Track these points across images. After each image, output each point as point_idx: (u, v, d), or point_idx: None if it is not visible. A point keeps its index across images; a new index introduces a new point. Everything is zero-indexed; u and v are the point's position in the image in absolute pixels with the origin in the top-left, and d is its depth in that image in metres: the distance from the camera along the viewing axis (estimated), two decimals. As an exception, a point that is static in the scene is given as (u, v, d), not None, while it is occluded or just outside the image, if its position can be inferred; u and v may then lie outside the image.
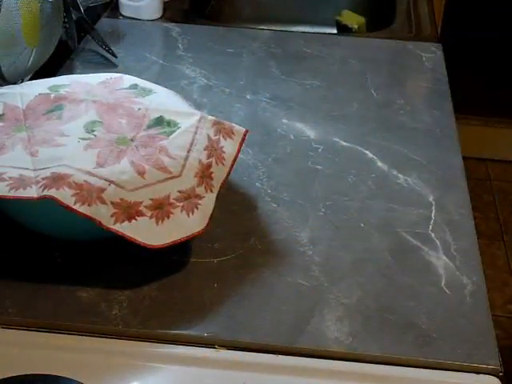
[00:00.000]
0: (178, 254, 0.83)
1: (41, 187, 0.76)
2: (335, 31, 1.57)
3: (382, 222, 0.91)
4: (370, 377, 0.73)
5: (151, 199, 0.78)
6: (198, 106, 1.02)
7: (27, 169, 0.78)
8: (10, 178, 0.77)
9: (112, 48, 1.25)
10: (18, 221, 0.83)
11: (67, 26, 1.19)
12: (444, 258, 0.86)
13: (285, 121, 1.11)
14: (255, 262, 0.84)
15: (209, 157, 0.84)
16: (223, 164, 0.85)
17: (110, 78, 0.95)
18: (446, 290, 0.82)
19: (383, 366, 0.73)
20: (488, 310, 0.80)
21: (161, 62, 1.26)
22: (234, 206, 0.92)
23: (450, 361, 0.74)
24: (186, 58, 1.27)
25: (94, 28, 1.28)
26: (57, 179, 0.76)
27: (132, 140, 0.84)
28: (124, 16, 1.41)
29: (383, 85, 1.22)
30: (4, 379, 0.69)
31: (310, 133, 1.08)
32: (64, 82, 0.94)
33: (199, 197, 0.81)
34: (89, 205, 0.75)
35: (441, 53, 1.32)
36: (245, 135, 0.89)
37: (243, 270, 0.83)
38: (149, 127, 0.86)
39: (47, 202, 0.75)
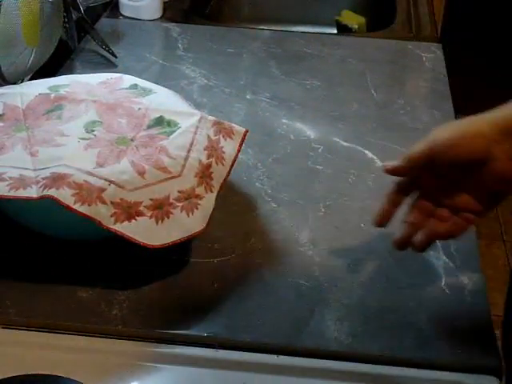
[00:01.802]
0: (177, 253, 0.83)
1: (41, 187, 0.76)
2: (335, 31, 1.57)
3: (382, 222, 0.91)
4: (370, 377, 0.73)
5: (151, 199, 0.78)
6: (197, 106, 1.01)
7: (27, 169, 0.78)
8: (10, 177, 0.77)
9: (112, 48, 1.25)
10: (18, 221, 0.83)
11: (67, 25, 1.19)
12: (444, 258, 0.86)
13: (285, 121, 1.11)
14: (255, 262, 0.84)
15: (209, 157, 0.84)
16: (223, 164, 0.85)
17: (110, 78, 0.95)
18: (446, 290, 0.82)
19: (383, 366, 0.73)
20: (488, 310, 0.80)
21: (161, 61, 1.26)
22: (234, 206, 0.92)
23: (450, 361, 0.74)
24: (186, 58, 1.27)
25: (93, 28, 1.28)
26: (57, 179, 0.76)
27: (132, 140, 0.84)
28: (124, 16, 1.41)
29: (383, 85, 1.22)
30: (4, 379, 0.69)
31: (310, 133, 1.08)
32: (64, 82, 0.94)
33: (199, 197, 0.81)
34: (89, 205, 0.75)
35: (441, 53, 1.32)
36: (245, 135, 0.89)
37: (243, 270, 0.83)
38: (149, 127, 0.86)
39: (47, 202, 0.75)
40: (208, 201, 0.82)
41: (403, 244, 0.78)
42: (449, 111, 1.15)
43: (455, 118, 1.13)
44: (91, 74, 0.97)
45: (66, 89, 0.91)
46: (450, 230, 0.77)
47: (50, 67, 1.14)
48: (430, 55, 1.31)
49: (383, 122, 1.12)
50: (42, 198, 0.75)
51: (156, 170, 0.80)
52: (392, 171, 0.78)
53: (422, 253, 0.80)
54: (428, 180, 0.77)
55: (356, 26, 1.53)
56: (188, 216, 0.79)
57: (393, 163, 0.78)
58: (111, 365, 0.73)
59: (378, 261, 0.85)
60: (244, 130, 0.89)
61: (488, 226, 2.42)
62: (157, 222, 0.78)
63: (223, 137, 0.87)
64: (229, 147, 0.86)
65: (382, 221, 0.79)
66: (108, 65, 1.24)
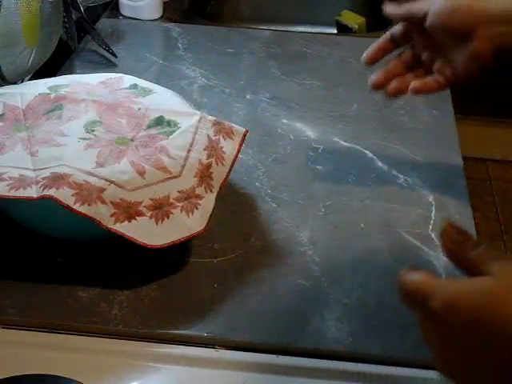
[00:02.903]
0: (177, 254, 0.83)
1: (41, 187, 0.76)
2: (335, 31, 1.57)
3: (382, 222, 0.91)
4: (370, 377, 0.73)
5: (151, 199, 0.78)
6: (197, 105, 1.01)
7: (27, 169, 0.78)
8: (10, 177, 0.77)
9: (112, 48, 1.25)
10: (18, 221, 0.83)
11: (67, 25, 1.19)
12: (444, 258, 0.86)
13: (285, 121, 1.11)
14: (255, 262, 0.84)
15: (209, 157, 0.84)
16: (223, 164, 0.85)
17: (110, 78, 0.95)
18: (446, 290, 0.81)
19: (383, 366, 0.73)
20: (488, 310, 0.80)
21: (161, 62, 1.26)
22: (234, 206, 0.92)
23: (450, 361, 0.74)
24: (186, 57, 1.27)
25: (94, 28, 1.28)
26: (57, 179, 0.76)
27: (132, 140, 0.84)
28: (124, 16, 1.41)
29: (383, 85, 1.22)
30: (4, 379, 0.69)
31: (310, 133, 1.08)
32: (64, 82, 0.94)
33: (199, 197, 0.81)
34: (89, 205, 0.75)
35: (441, 53, 1.32)
36: (245, 135, 0.89)
37: (243, 270, 0.83)
38: (149, 127, 0.86)
39: (47, 202, 0.75)
40: (208, 201, 0.82)
41: (378, 85, 0.87)
42: (449, 111, 1.15)
43: (455, 118, 1.13)
44: (91, 74, 0.97)
45: (66, 89, 0.91)
46: (419, 86, 0.85)
47: (50, 67, 1.14)
48: (430, 55, 1.31)
49: (383, 122, 1.12)
50: (42, 198, 0.75)
51: (156, 170, 0.80)
52: (391, 15, 0.85)
53: (390, 99, 0.89)
54: (417, 36, 0.85)
55: (356, 26, 1.53)
56: (188, 216, 0.79)
57: (394, 9, 0.85)
58: (111, 365, 0.73)
59: (378, 261, 0.85)
60: (244, 130, 0.89)
61: (488, 226, 2.41)
62: (157, 222, 0.78)
63: (223, 137, 0.87)
64: (229, 147, 0.86)
65: (370, 59, 0.87)
66: (108, 65, 1.24)
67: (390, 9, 0.86)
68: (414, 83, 0.85)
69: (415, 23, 0.84)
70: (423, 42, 0.85)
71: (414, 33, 0.85)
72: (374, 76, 0.87)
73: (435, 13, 0.81)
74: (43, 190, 0.75)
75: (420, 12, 0.82)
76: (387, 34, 0.87)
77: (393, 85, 0.86)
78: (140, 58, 1.26)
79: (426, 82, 0.85)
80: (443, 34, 0.81)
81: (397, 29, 0.86)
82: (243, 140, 0.88)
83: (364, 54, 0.88)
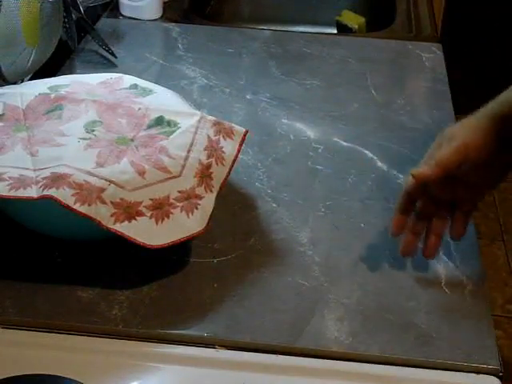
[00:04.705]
0: (177, 254, 0.83)
1: (41, 187, 0.76)
2: (335, 31, 1.57)
3: (382, 222, 0.91)
4: (370, 377, 0.73)
5: (151, 199, 0.78)
6: (198, 105, 1.02)
7: (27, 169, 0.78)
8: (10, 177, 0.77)
9: (112, 48, 1.25)
10: (18, 221, 0.83)
11: (67, 25, 1.19)
12: (444, 258, 0.86)
13: (285, 121, 1.11)
14: (255, 261, 0.84)
15: (209, 157, 0.84)
16: (223, 164, 0.85)
17: (110, 78, 0.95)
18: (446, 290, 0.82)
19: (383, 365, 0.73)
20: (488, 310, 0.80)
21: (161, 62, 1.26)
22: (234, 206, 0.92)
23: (450, 361, 0.74)
24: (186, 58, 1.27)
25: (94, 28, 1.28)
26: (57, 179, 0.76)
27: (132, 140, 0.84)
28: (124, 16, 1.41)
29: (383, 85, 1.22)
30: (4, 379, 0.69)
31: (310, 133, 1.08)
32: (64, 82, 0.94)
33: (199, 197, 0.81)
34: (89, 205, 0.75)
35: (441, 53, 1.32)
36: (245, 135, 0.89)
37: (243, 270, 0.83)
38: (149, 127, 0.86)
39: (47, 202, 0.75)
40: (208, 201, 0.82)
41: (410, 251, 0.82)
42: (449, 111, 1.15)
43: (455, 117, 1.13)
44: (91, 74, 0.97)
45: (66, 89, 0.91)
46: (461, 231, 0.82)
47: (50, 67, 1.14)
48: (430, 55, 1.31)
49: (383, 122, 1.12)
50: (42, 198, 0.75)
51: (156, 170, 0.80)
52: (421, 177, 0.78)
53: (432, 258, 0.84)
54: (438, 183, 0.78)
55: (356, 26, 1.53)
56: (188, 216, 0.79)
57: (422, 169, 0.78)
58: (111, 365, 0.73)
59: (378, 261, 0.85)
60: (244, 130, 0.89)
61: (488, 226, 2.41)
62: (157, 222, 0.78)
63: (223, 137, 0.87)
64: (229, 147, 0.86)
65: (398, 230, 0.82)
66: (108, 65, 1.24)
67: (418, 172, 0.78)
68: (455, 232, 0.82)
69: (451, 172, 0.78)
70: (444, 184, 0.79)
71: (434, 182, 0.78)
72: (404, 244, 0.82)
73: (476, 151, 0.76)
74: (43, 189, 0.75)
75: (455, 159, 0.77)
76: (403, 195, 0.80)
77: (431, 240, 0.82)
78: (140, 58, 1.26)
79: (459, 225, 0.82)
80: (472, 167, 0.78)
81: (410, 185, 0.79)
82: (243, 140, 0.88)
83: (390, 227, 0.82)
